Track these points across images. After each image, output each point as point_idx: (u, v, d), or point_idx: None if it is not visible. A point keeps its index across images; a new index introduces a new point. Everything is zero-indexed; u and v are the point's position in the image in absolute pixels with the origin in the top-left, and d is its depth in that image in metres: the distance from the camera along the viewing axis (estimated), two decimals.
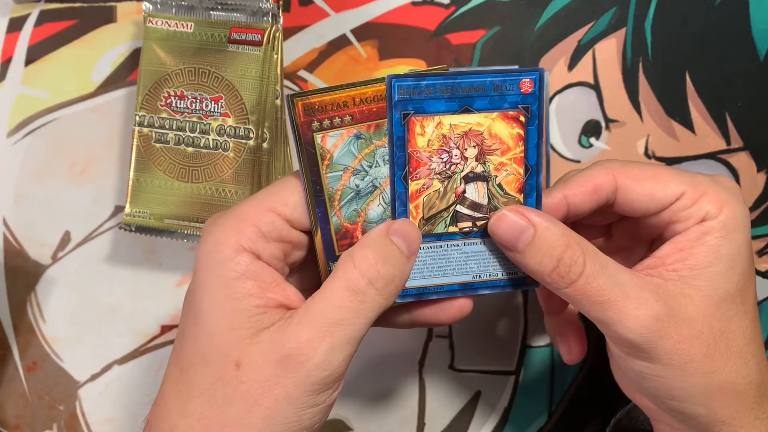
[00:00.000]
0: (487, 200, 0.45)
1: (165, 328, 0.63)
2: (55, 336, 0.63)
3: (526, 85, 0.44)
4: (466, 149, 0.44)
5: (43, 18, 0.62)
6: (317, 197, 0.44)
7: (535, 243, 0.43)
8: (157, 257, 0.63)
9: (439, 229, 0.45)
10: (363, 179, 0.44)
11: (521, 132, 0.44)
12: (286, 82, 0.62)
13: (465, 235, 0.46)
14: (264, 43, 0.57)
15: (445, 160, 0.44)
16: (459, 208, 0.45)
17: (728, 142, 0.61)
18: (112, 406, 0.63)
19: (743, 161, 0.61)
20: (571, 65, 0.61)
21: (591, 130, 0.62)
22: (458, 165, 0.44)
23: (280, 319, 0.41)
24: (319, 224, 0.44)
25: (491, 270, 0.46)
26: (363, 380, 0.63)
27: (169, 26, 0.58)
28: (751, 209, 0.61)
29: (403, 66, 0.62)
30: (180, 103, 0.57)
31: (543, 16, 0.61)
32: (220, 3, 0.57)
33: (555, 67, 0.61)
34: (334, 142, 0.43)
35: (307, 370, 0.40)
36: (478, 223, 0.45)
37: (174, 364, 0.43)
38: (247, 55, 0.57)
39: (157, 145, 0.58)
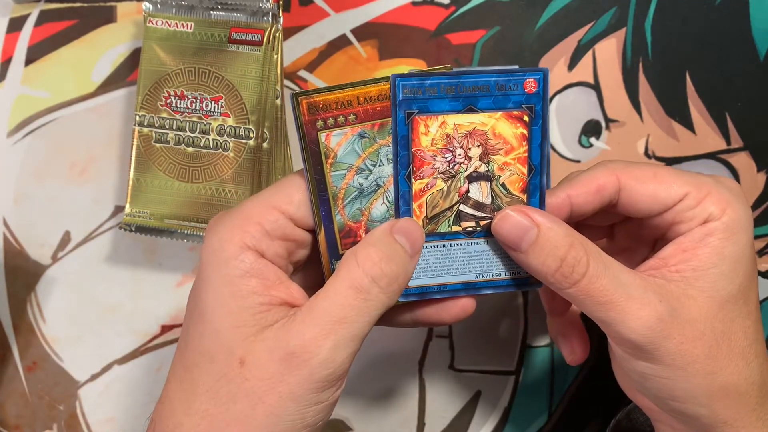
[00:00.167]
0: (490, 200, 0.45)
1: (165, 328, 0.63)
2: (55, 336, 0.63)
3: (530, 84, 0.44)
4: (469, 149, 0.44)
5: (43, 18, 0.62)
6: (321, 196, 0.44)
7: (539, 243, 0.43)
8: (157, 257, 0.63)
9: (443, 228, 0.45)
10: (367, 178, 0.44)
11: (525, 132, 0.44)
12: (287, 82, 0.62)
13: (468, 234, 0.45)
14: (264, 43, 0.57)
15: (448, 159, 0.44)
16: (462, 207, 0.45)
17: (728, 142, 0.61)
18: (112, 406, 0.63)
19: (743, 161, 0.61)
20: (571, 65, 0.61)
21: (591, 130, 0.62)
22: (462, 164, 0.44)
23: (284, 316, 0.41)
24: (323, 222, 0.44)
25: (494, 270, 0.46)
26: (363, 380, 0.63)
27: (169, 26, 0.58)
28: (752, 209, 0.61)
29: (403, 66, 0.62)
30: (180, 103, 0.57)
31: (543, 16, 0.61)
32: (220, 3, 0.57)
33: (555, 67, 0.61)
34: (338, 141, 0.43)
35: (311, 367, 0.40)
36: (482, 223, 0.45)
37: (178, 361, 0.43)
38: (247, 55, 0.57)
39: (157, 145, 0.58)
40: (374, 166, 0.44)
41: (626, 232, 0.52)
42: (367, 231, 0.45)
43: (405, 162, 0.44)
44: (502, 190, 0.45)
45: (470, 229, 0.45)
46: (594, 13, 0.61)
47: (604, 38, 0.61)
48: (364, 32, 0.62)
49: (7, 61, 0.62)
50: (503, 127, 0.44)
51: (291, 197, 0.44)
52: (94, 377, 0.63)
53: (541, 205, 0.45)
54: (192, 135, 0.57)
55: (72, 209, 0.62)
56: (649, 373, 0.44)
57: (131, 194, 0.58)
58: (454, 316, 0.47)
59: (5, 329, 0.63)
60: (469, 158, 0.44)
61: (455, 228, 0.45)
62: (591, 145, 0.62)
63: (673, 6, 0.61)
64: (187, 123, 0.57)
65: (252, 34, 0.57)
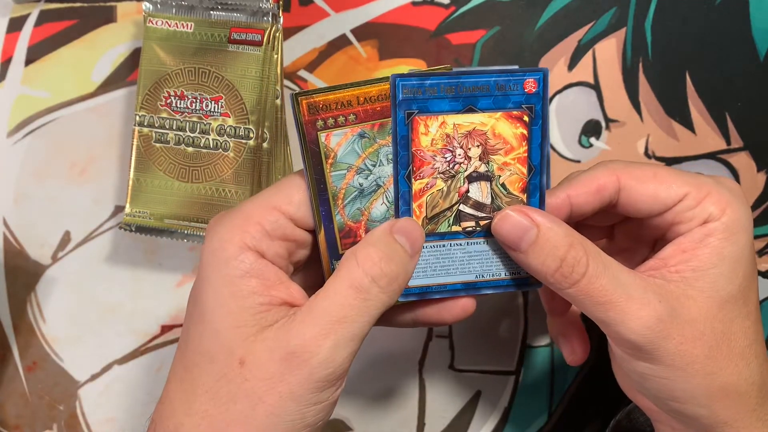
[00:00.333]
0: (490, 200, 0.45)
1: (165, 328, 0.63)
2: (55, 336, 0.63)
3: (530, 85, 0.44)
4: (469, 149, 0.44)
5: (43, 18, 0.62)
6: (321, 196, 0.44)
7: (539, 243, 0.43)
8: (157, 257, 0.63)
9: (443, 228, 0.45)
10: (367, 178, 0.44)
11: (525, 132, 0.44)
12: (287, 82, 0.62)
13: (468, 234, 0.45)
14: (264, 43, 0.57)
15: (448, 159, 0.44)
16: (462, 207, 0.45)
17: (728, 142, 0.61)
18: (112, 406, 0.63)
19: (743, 161, 0.61)
20: (571, 65, 0.61)
21: (591, 130, 0.62)
22: (462, 164, 0.44)
23: (284, 316, 0.41)
24: (323, 223, 0.44)
25: (494, 270, 0.46)
26: (363, 380, 0.63)
27: (169, 26, 0.58)
28: (751, 209, 0.61)
29: (403, 66, 0.62)
30: (180, 103, 0.57)
31: (543, 16, 0.61)
32: (220, 3, 0.57)
33: (555, 67, 0.61)
34: (338, 141, 0.43)
35: (311, 367, 0.40)
36: (482, 223, 0.45)
37: (179, 362, 0.43)
38: (247, 55, 0.57)
39: (157, 145, 0.58)
40: (374, 166, 0.44)
41: (626, 233, 0.52)
42: (367, 231, 0.45)
43: (405, 162, 0.44)
44: (502, 190, 0.45)
45: (470, 229, 0.45)
46: (594, 13, 0.61)
47: (604, 38, 0.61)
48: (364, 32, 0.62)
49: (7, 61, 0.62)
50: (503, 127, 0.44)
51: (291, 197, 0.44)
52: (94, 377, 0.63)
53: (541, 205, 0.45)
54: (192, 135, 0.57)
55: (72, 209, 0.62)
56: (649, 373, 0.44)
57: (131, 194, 0.58)
58: (454, 316, 0.48)
59: (5, 329, 0.63)
60: (469, 158, 0.44)
61: (455, 228, 0.45)
62: (591, 145, 0.62)
63: (673, 6, 0.61)
64: (187, 123, 0.57)
65: (252, 34, 0.57)
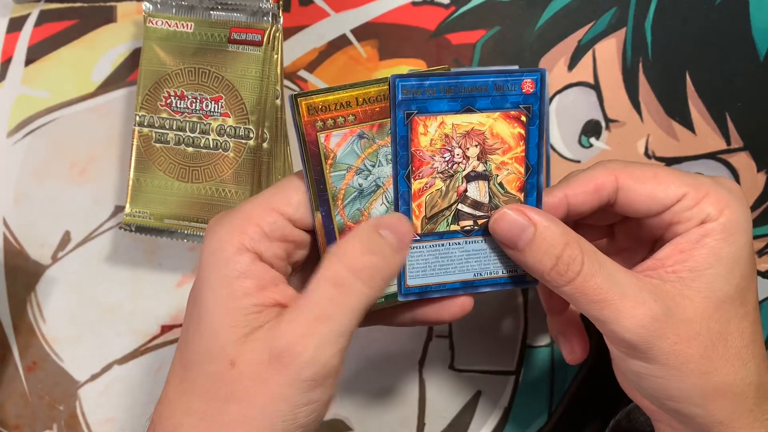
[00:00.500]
0: (488, 199, 0.45)
1: (165, 328, 0.63)
2: (55, 336, 0.63)
3: (528, 85, 0.44)
4: (468, 148, 0.44)
5: (43, 18, 0.62)
6: (321, 196, 0.44)
7: (535, 241, 0.43)
8: (157, 257, 0.63)
9: (441, 227, 0.45)
10: (366, 178, 0.44)
11: (522, 132, 0.45)
12: (286, 82, 0.62)
13: (466, 233, 0.46)
14: (264, 43, 0.57)
15: (447, 159, 0.44)
16: (461, 206, 0.45)
17: (728, 142, 0.61)
18: (112, 406, 0.63)
19: (743, 161, 0.61)
20: (571, 65, 0.61)
21: (591, 130, 0.62)
22: (460, 164, 0.44)
23: (275, 317, 0.41)
24: (323, 223, 0.44)
25: (492, 268, 0.46)
26: (363, 380, 0.63)
27: (169, 26, 0.58)
28: (751, 209, 0.61)
29: (403, 66, 0.62)
30: (180, 103, 0.57)
31: (543, 16, 0.61)
32: (220, 3, 0.57)
33: (555, 67, 0.61)
34: (337, 142, 0.43)
35: (298, 367, 0.39)
36: (480, 222, 0.45)
37: (178, 361, 0.43)
38: (247, 55, 0.57)
39: (157, 145, 0.58)
40: (373, 166, 0.44)
41: (626, 232, 0.52)
42: None
43: (404, 162, 0.44)
44: (500, 189, 0.45)
45: (468, 228, 0.45)
46: (594, 13, 0.61)
47: (604, 38, 0.61)
48: (364, 32, 0.62)
49: (7, 61, 0.62)
50: (501, 127, 0.44)
51: (290, 198, 0.43)
52: (94, 377, 0.63)
53: (538, 204, 0.46)
54: (192, 135, 0.57)
55: (72, 209, 0.62)
56: (644, 372, 0.44)
57: (131, 194, 0.58)
58: (453, 315, 0.48)
59: (5, 329, 0.63)
60: (467, 158, 0.44)
61: (454, 227, 0.45)
62: (591, 145, 0.62)
63: (673, 6, 0.61)
64: (187, 123, 0.57)
65: (252, 34, 0.57)
